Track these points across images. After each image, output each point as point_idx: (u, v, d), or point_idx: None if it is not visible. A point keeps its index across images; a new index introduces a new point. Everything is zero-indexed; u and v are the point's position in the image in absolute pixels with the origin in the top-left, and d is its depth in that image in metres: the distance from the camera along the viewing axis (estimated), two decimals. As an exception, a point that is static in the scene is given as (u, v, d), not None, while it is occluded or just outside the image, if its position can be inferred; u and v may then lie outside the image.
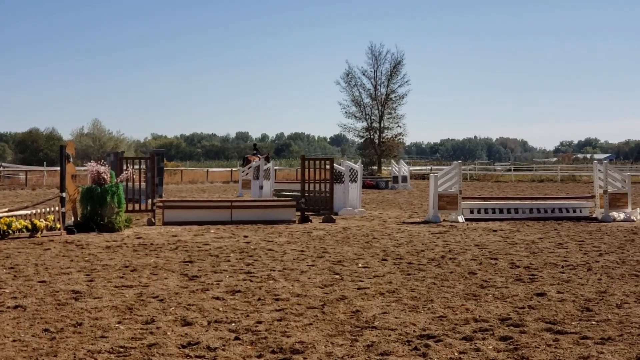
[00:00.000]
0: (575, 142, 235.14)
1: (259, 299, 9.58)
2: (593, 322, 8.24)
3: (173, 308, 8.94)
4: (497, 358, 6.76)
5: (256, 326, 8.00)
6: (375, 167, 73.27)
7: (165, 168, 44.78)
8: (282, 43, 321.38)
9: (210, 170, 67.32)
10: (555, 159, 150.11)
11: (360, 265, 12.75)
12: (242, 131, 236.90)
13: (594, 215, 22.56)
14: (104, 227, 18.15)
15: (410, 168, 60.17)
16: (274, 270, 12.10)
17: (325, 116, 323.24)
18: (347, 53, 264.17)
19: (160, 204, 21.17)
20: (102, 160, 19.89)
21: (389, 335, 7.58)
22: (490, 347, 7.16)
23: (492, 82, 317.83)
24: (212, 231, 18.44)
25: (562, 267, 12.54)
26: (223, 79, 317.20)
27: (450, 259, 13.58)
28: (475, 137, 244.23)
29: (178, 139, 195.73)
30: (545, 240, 16.54)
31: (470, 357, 6.81)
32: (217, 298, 9.62)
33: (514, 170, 74.37)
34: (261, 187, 33.26)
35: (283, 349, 7.05)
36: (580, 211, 22.87)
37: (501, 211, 22.50)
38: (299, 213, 21.63)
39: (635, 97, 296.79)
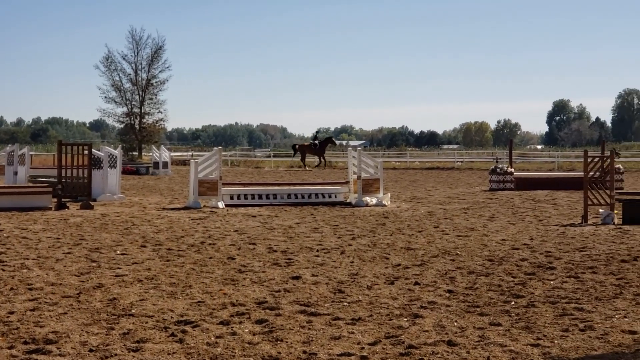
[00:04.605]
0: (332, 128, 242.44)
1: (12, 289, 9.26)
2: (345, 304, 8.60)
3: None
4: (253, 341, 6.92)
5: (8, 317, 7.74)
6: (136, 153, 72.24)
7: None
8: (38, 23, 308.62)
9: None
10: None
11: (118, 252, 12.59)
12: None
13: (348, 200, 23.40)
14: None
15: (172, 154, 59.55)
16: (27, 259, 11.70)
17: (84, 101, 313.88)
18: (107, 36, 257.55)
19: None
20: None
21: (146, 323, 7.56)
22: (247, 330, 7.32)
23: (250, 68, 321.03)
24: (-40, 219, 17.51)
25: (317, 250, 12.97)
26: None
27: (209, 244, 13.69)
28: (237, 123, 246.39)
29: None
30: (302, 225, 17.00)
31: (226, 341, 6.93)
32: (-35, 289, 9.20)
33: (274, 156, 75.56)
34: (15, 173, 31.88)
35: (36, 340, 6.87)
36: (336, 196, 23.64)
37: (260, 197, 22.87)
38: (55, 200, 20.97)
39: (389, 86, 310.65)
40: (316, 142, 55.44)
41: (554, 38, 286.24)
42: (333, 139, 61.20)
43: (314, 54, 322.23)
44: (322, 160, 56.53)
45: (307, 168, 54.80)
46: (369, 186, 22.97)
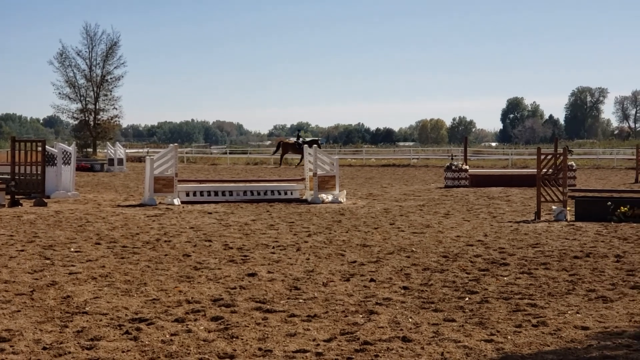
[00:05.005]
0: (288, 125, 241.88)
1: (-37, 288, 9.15)
2: (301, 300, 8.63)
3: None
4: (208, 338, 6.92)
5: (-41, 316, 7.65)
6: (90, 150, 71.71)
7: None
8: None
9: None
10: (269, 142, 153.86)
11: (72, 249, 12.48)
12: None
13: (304, 197, 23.43)
14: None
15: (127, 151, 59.14)
16: (-21, 257, 11.57)
17: (38, 97, 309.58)
18: (61, 32, 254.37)
19: None
20: None
21: (100, 320, 7.52)
22: (202, 327, 7.31)
23: (206, 65, 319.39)
24: None
25: (273, 247, 12.97)
26: None
27: (165, 241, 13.62)
28: (193, 120, 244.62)
29: None
30: (258, 222, 16.98)
31: (181, 338, 6.91)
32: None
33: (230, 153, 75.32)
34: (-33, 170, 31.53)
35: (-12, 338, 6.81)
36: (292, 193, 23.66)
37: (216, 194, 22.80)
38: (8, 196, 20.72)
39: (344, 82, 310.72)
40: (300, 141, 55.32)
41: (508, 36, 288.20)
42: (319, 141, 61.30)
43: (269, 51, 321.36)
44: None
45: (282, 165, 54.55)
46: (325, 183, 23.00)
